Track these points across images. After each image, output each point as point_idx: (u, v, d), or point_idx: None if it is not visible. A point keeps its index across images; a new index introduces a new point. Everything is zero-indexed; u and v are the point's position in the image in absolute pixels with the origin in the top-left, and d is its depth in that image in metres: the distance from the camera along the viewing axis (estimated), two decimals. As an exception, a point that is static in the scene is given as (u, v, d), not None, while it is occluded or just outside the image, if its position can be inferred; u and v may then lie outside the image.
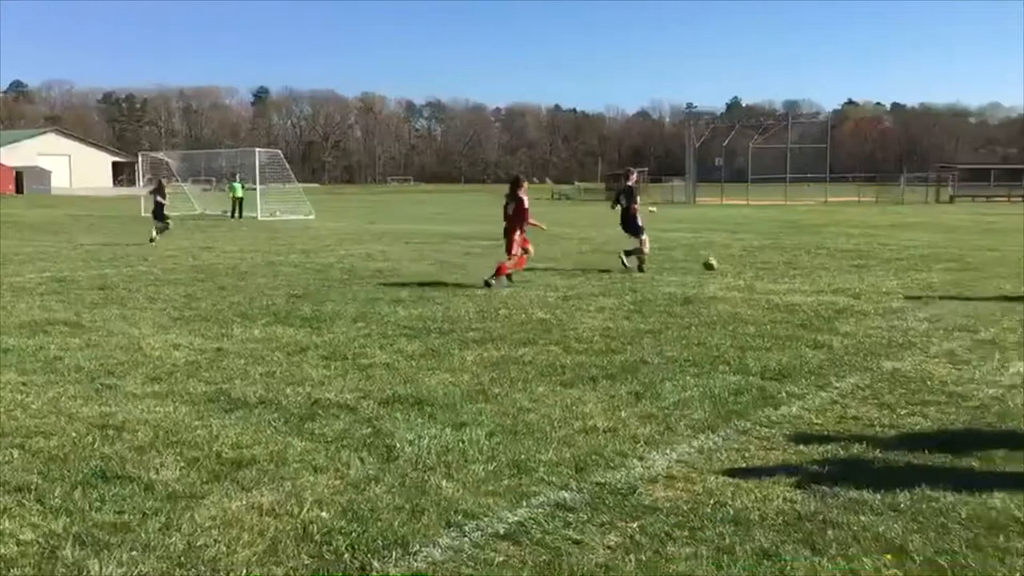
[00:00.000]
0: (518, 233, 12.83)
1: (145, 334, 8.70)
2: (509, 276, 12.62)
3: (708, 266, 14.43)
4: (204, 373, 6.99)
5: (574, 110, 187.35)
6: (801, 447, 5.09)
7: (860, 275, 13.81)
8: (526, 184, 13.25)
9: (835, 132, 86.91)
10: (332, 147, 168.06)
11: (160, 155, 50.45)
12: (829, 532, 3.86)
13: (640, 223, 14.65)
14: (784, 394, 6.29)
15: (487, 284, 12.21)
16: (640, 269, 14.13)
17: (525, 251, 13.02)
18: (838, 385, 6.58)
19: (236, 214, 36.20)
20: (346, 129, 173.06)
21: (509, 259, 12.74)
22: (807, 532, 3.87)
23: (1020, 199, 58.70)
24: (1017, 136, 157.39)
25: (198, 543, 3.78)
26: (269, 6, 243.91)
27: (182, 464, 4.78)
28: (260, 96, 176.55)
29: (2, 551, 3.70)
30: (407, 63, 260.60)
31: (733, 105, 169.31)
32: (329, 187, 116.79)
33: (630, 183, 15.14)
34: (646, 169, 70.45)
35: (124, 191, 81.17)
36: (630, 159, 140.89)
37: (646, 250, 14.43)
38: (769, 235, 24.44)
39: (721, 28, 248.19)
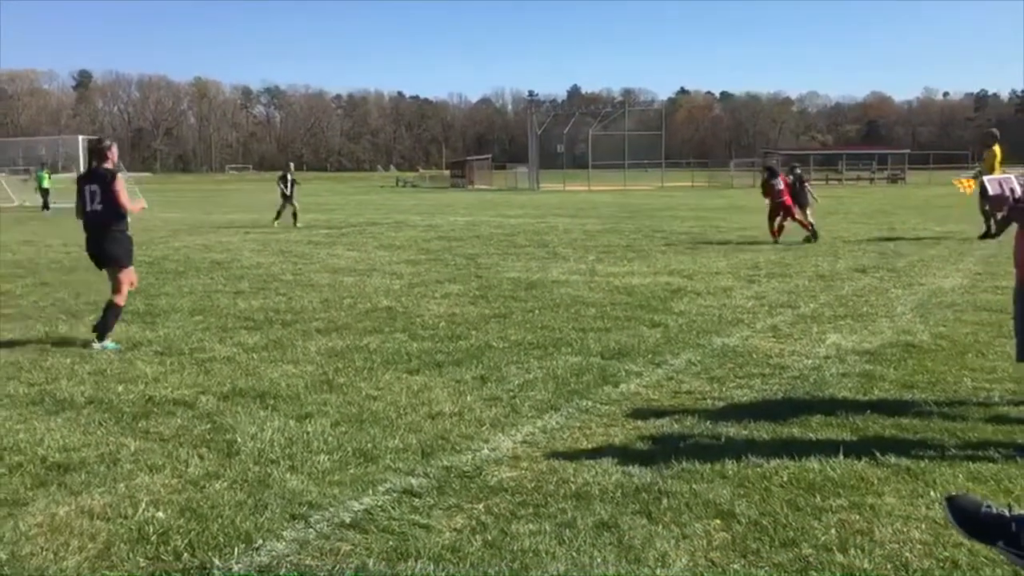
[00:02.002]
0: (791, 206, 16.76)
1: (-43, 335, 8.12)
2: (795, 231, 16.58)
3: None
4: (26, 374, 6.58)
5: (417, 97, 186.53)
6: (639, 422, 5.30)
7: (693, 257, 14.45)
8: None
9: (669, 119, 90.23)
10: (164, 134, 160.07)
11: (-30, 142, 46.73)
12: (663, 501, 4.05)
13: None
14: (623, 372, 6.53)
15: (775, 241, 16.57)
16: (814, 237, 16.92)
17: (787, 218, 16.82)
18: (673, 362, 6.88)
19: (46, 206, 33.94)
20: (179, 116, 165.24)
21: (792, 220, 16.80)
22: (644, 502, 4.05)
23: (836, 182, 62.99)
24: (832, 124, 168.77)
25: (22, 552, 3.58)
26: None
27: (3, 470, 4.50)
28: (82, 80, 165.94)
29: None
30: (241, 48, 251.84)
31: (573, 93, 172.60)
32: (162, 176, 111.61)
33: (799, 171, 18.45)
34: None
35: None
36: (474, 146, 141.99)
37: (812, 220, 17.39)
38: (609, 219, 25.16)
39: (559, 16, 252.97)
